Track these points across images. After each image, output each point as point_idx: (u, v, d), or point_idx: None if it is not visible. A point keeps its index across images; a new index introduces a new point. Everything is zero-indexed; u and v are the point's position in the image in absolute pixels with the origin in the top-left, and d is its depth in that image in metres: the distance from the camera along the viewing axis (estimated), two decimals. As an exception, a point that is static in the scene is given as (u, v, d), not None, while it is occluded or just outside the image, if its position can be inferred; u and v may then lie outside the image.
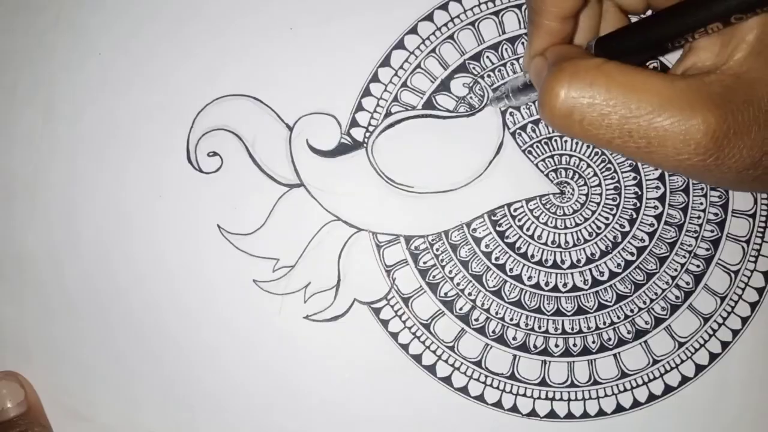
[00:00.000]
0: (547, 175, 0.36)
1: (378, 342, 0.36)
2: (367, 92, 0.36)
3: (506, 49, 0.36)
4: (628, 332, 0.36)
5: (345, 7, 0.36)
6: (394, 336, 0.36)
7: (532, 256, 0.36)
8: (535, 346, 0.36)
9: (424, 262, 0.36)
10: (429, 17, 0.36)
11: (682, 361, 0.36)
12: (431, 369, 0.36)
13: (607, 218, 0.36)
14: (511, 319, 0.36)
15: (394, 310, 0.36)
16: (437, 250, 0.36)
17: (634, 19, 0.33)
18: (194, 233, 0.36)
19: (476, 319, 0.36)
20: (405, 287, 0.36)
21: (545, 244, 0.36)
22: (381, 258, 0.36)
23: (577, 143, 0.36)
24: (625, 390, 0.36)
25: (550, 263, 0.36)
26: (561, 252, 0.36)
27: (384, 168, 0.36)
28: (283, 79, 0.36)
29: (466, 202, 0.36)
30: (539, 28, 0.29)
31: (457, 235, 0.36)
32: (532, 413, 0.36)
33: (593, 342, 0.36)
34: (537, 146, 0.36)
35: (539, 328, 0.36)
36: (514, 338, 0.36)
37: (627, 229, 0.36)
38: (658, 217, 0.36)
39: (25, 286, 0.36)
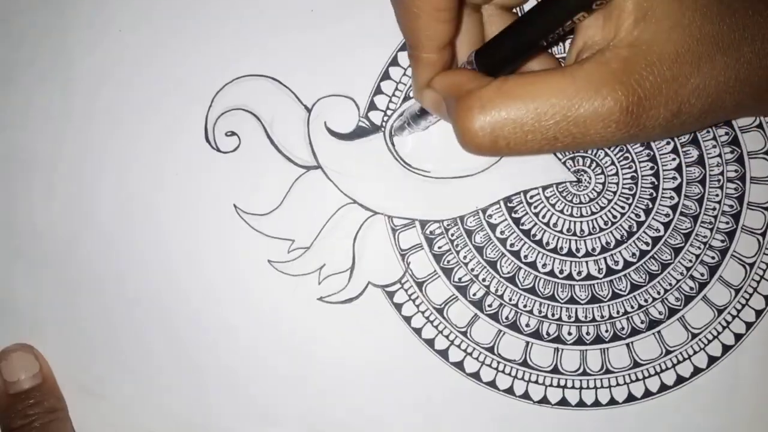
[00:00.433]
0: (564, 163, 0.36)
1: (391, 325, 0.36)
2: (386, 76, 0.36)
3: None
4: (642, 322, 0.36)
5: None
6: (407, 320, 0.36)
7: (547, 243, 0.36)
8: (548, 334, 0.36)
9: (439, 247, 0.36)
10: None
11: (695, 352, 0.36)
12: (444, 354, 0.36)
13: (623, 207, 0.36)
14: (525, 306, 0.36)
15: (408, 294, 0.36)
16: (452, 235, 0.36)
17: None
18: (210, 212, 0.36)
19: (490, 305, 0.36)
20: (419, 271, 0.36)
21: (560, 231, 0.36)
22: (396, 242, 0.36)
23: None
24: (637, 380, 0.36)
25: (565, 251, 0.36)
26: (576, 240, 0.36)
27: (401, 152, 0.36)
28: (302, 60, 0.36)
29: (482, 189, 0.36)
30: (419, 61, 0.29)
31: (472, 221, 0.36)
32: (544, 400, 0.36)
33: (606, 331, 0.36)
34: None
35: (552, 315, 0.36)
36: (527, 325, 0.36)
37: (642, 218, 0.36)
38: (674, 208, 0.36)
39: (43, 263, 0.36)
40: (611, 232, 0.36)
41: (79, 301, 0.36)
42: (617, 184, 0.36)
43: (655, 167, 0.36)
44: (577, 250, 0.36)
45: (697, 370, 0.36)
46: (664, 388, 0.36)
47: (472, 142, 0.26)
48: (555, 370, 0.36)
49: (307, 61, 0.36)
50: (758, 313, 0.36)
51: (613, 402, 0.36)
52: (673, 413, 0.36)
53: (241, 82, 0.36)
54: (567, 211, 0.36)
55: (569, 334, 0.36)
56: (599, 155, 0.36)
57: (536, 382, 0.36)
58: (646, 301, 0.36)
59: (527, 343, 0.36)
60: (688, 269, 0.36)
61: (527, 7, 0.34)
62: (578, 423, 0.36)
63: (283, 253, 0.36)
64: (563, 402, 0.36)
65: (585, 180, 0.36)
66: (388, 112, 0.36)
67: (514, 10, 0.33)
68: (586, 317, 0.36)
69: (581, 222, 0.36)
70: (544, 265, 0.36)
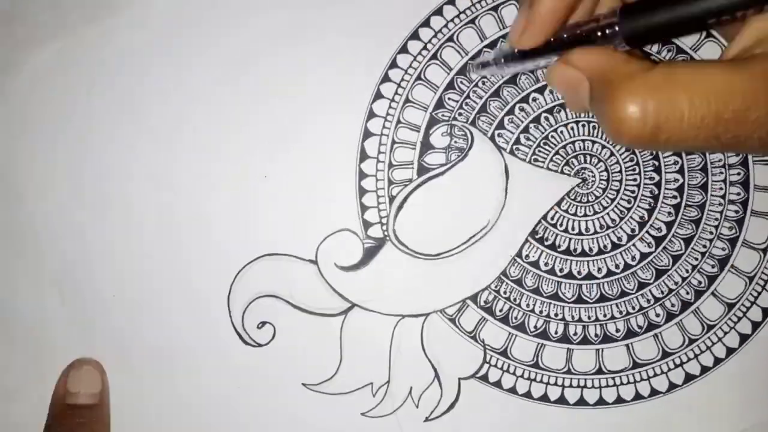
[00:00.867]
0: (562, 172, 0.36)
1: (506, 403, 0.35)
2: (362, 191, 0.36)
3: (463, 83, 0.36)
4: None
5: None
6: (526, 395, 0.36)
7: (591, 249, 0.36)
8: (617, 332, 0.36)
9: (500, 310, 0.36)
10: (378, 95, 0.36)
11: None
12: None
13: (633, 191, 0.36)
14: (602, 316, 0.36)
15: (499, 367, 0.36)
16: (505, 293, 0.36)
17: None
18: (280, 394, 0.35)
19: (575, 333, 0.36)
20: (496, 343, 0.36)
21: (596, 232, 0.36)
22: (460, 328, 0.36)
23: (573, 128, 0.36)
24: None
25: (609, 247, 0.36)
26: (614, 230, 0.36)
27: (415, 248, 0.36)
28: (281, 218, 0.36)
29: (505, 235, 0.36)
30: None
31: (514, 270, 0.36)
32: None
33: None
34: (538, 151, 0.36)
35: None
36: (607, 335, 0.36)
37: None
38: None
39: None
40: (632, 216, 0.36)
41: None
42: (620, 172, 0.36)
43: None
44: (619, 239, 0.36)
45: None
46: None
47: (629, 133, 0.23)
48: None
49: (286, 218, 0.36)
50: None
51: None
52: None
53: (244, 274, 0.35)
54: (590, 211, 0.36)
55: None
56: (588, 146, 0.36)
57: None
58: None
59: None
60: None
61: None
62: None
63: (371, 401, 0.35)
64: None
65: (589, 176, 0.36)
66: (383, 221, 0.36)
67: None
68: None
69: (607, 214, 0.36)
70: (599, 269, 0.36)
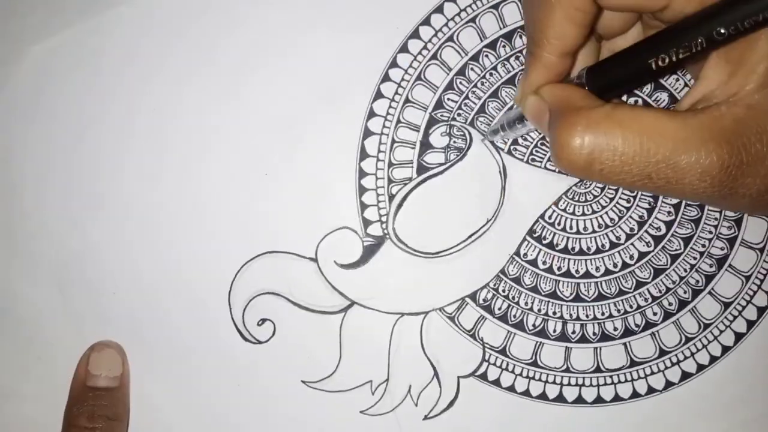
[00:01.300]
0: (559, 172, 0.36)
1: (505, 401, 0.36)
2: (362, 189, 0.36)
3: (462, 84, 0.36)
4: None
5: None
6: (525, 393, 0.36)
7: (589, 248, 0.36)
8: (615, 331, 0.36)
9: (500, 308, 0.36)
10: (378, 94, 0.36)
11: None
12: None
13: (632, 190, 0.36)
14: (599, 315, 0.36)
15: (498, 365, 0.36)
16: (504, 291, 0.36)
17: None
18: (279, 393, 0.36)
19: (573, 332, 0.36)
20: (494, 341, 0.36)
21: (594, 231, 0.36)
22: (459, 326, 0.36)
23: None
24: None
25: (608, 246, 0.36)
26: (613, 229, 0.36)
27: (414, 246, 0.36)
28: (282, 216, 0.36)
29: (504, 234, 0.36)
30: (537, 60, 0.28)
31: (513, 269, 0.36)
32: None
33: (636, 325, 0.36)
34: (536, 151, 0.36)
35: (619, 311, 0.36)
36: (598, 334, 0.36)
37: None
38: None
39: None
40: (629, 219, 0.36)
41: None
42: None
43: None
44: (618, 238, 0.36)
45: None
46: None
47: (567, 159, 0.25)
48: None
49: (286, 214, 0.36)
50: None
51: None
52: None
53: (246, 271, 0.36)
54: (588, 210, 0.36)
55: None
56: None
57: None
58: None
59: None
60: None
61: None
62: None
63: (370, 399, 0.36)
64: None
65: (587, 175, 0.36)
66: (383, 219, 0.36)
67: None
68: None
69: (606, 213, 0.36)
70: (597, 268, 0.36)
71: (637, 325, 0.36)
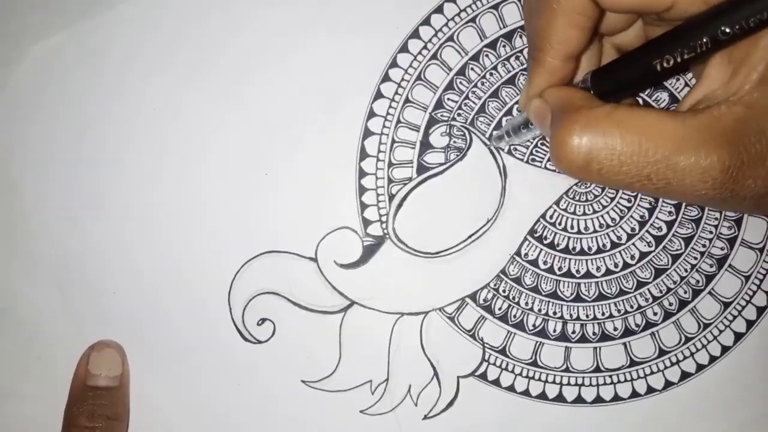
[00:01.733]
0: (559, 172, 0.36)
1: (504, 401, 0.36)
2: (362, 189, 0.36)
3: (462, 84, 0.36)
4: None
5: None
6: (525, 393, 0.36)
7: (590, 248, 0.36)
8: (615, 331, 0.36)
9: (500, 309, 0.36)
10: (379, 94, 0.36)
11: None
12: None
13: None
14: (598, 315, 0.36)
15: (498, 365, 0.36)
16: (504, 291, 0.36)
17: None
18: (280, 394, 0.36)
19: (573, 332, 0.36)
20: (494, 341, 0.36)
21: (595, 231, 0.36)
22: (459, 326, 0.36)
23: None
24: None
25: (608, 246, 0.36)
26: (614, 229, 0.36)
27: (414, 246, 0.36)
28: (282, 216, 0.36)
29: (504, 234, 0.36)
30: (541, 65, 0.28)
31: (514, 269, 0.36)
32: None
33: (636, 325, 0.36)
34: (536, 151, 0.36)
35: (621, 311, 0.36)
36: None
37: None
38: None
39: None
40: (631, 217, 0.36)
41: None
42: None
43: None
44: (619, 238, 0.36)
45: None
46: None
47: (565, 158, 0.25)
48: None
49: (287, 216, 0.36)
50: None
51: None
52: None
53: (245, 271, 0.36)
54: (589, 209, 0.36)
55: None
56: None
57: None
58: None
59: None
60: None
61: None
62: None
63: (369, 399, 0.36)
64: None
65: (587, 175, 0.36)
66: (383, 218, 0.36)
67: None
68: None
69: (606, 213, 0.36)
70: (598, 268, 0.36)
71: (637, 325, 0.36)
